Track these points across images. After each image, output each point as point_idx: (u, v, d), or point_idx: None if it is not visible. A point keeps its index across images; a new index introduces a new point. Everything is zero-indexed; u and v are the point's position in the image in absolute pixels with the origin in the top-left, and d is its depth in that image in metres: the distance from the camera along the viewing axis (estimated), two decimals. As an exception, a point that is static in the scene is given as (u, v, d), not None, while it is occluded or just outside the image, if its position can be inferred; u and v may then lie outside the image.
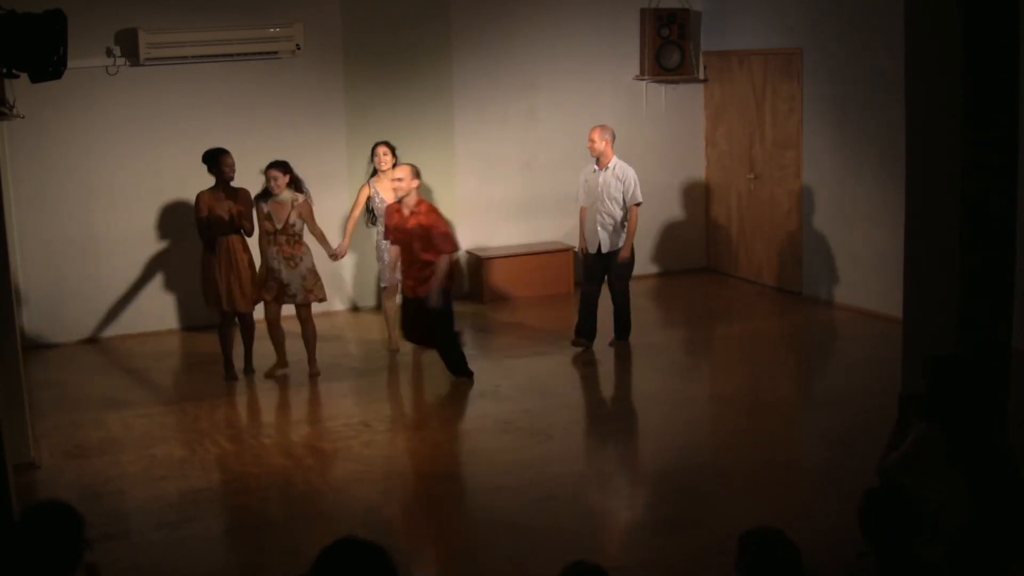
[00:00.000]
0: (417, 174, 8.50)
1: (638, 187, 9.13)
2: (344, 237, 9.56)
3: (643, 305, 10.08)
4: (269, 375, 8.91)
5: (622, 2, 11.62)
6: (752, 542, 3.60)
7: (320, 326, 9.14)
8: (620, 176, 9.13)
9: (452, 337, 8.61)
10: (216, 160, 8.67)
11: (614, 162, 9.17)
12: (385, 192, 9.30)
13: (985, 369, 5.34)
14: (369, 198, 9.40)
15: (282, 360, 8.96)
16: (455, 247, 8.61)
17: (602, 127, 9.23)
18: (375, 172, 9.43)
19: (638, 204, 9.14)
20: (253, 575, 5.92)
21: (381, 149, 9.38)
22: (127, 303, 10.34)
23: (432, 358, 9.41)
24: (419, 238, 8.40)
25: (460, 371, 8.68)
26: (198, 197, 8.74)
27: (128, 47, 9.90)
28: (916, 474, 4.55)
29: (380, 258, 9.49)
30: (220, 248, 8.64)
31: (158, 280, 10.42)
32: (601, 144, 9.11)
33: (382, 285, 9.62)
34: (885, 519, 3.88)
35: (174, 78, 10.13)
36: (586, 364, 9.21)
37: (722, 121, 11.94)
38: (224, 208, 8.57)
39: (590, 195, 9.25)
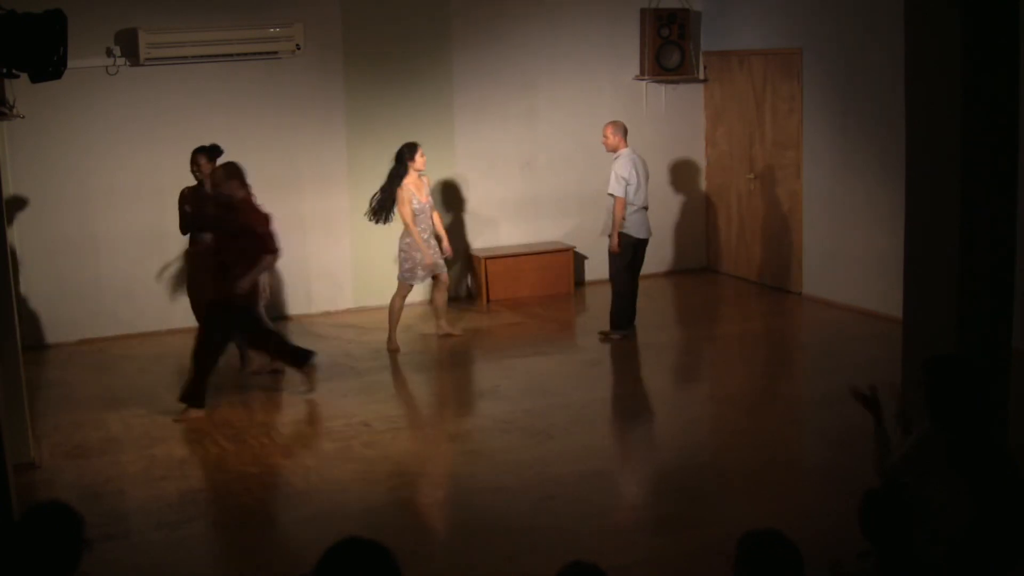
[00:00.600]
0: (234, 173, 8.04)
1: (617, 179, 9.30)
2: (424, 243, 9.35)
3: (643, 305, 10.07)
4: (255, 372, 8.96)
5: (622, 2, 11.62)
6: (752, 543, 3.60)
7: (318, 325, 9.13)
8: (613, 167, 9.38)
9: (210, 350, 8.07)
10: (191, 157, 8.83)
11: (617, 154, 9.41)
12: (417, 191, 9.33)
13: (985, 369, 5.34)
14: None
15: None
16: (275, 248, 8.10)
17: (613, 123, 9.57)
18: (405, 172, 9.32)
19: (611, 194, 9.33)
20: (253, 575, 5.92)
21: (421, 150, 9.36)
22: (127, 303, 10.33)
23: (434, 359, 9.42)
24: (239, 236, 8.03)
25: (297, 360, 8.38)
26: (181, 193, 8.90)
27: (128, 47, 9.90)
28: (916, 474, 4.55)
29: (410, 256, 9.41)
30: (201, 245, 8.75)
31: (158, 280, 10.42)
32: (613, 139, 9.46)
33: (408, 282, 9.47)
34: (885, 519, 3.88)
35: (174, 78, 10.13)
36: (586, 364, 9.21)
37: (722, 121, 11.93)
38: (203, 206, 8.65)
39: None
